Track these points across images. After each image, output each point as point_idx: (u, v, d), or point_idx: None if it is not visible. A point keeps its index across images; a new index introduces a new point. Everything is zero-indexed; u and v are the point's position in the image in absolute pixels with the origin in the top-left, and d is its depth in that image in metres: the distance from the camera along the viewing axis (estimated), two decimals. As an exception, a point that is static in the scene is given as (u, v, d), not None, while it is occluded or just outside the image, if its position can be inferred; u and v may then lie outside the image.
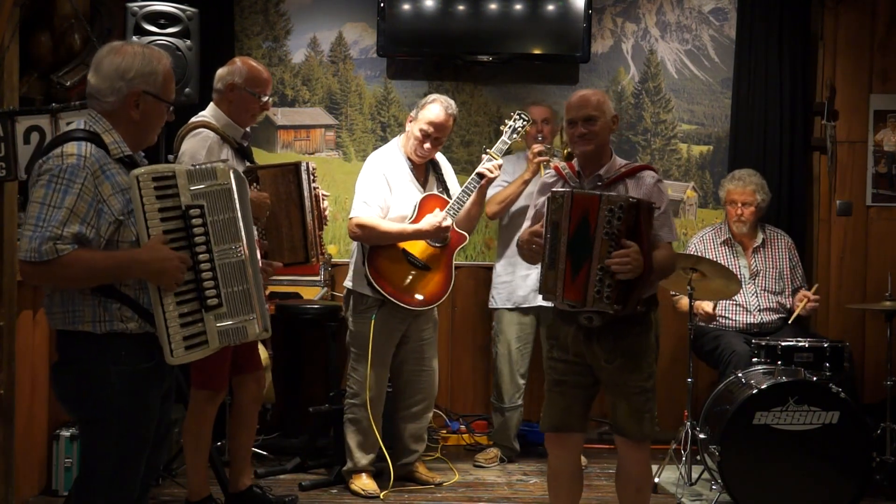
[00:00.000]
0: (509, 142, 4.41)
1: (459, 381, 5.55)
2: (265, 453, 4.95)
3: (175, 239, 2.56)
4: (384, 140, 5.19)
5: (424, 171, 4.47)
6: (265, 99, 3.87)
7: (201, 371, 3.74)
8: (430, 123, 4.31)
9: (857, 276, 5.47)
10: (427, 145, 4.34)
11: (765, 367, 4.32)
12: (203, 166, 2.64)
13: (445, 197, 4.42)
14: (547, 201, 3.28)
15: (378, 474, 4.49)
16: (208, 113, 3.84)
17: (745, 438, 4.07)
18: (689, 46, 5.61)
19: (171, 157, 3.92)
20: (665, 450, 4.59)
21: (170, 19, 4.33)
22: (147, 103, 2.64)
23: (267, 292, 4.34)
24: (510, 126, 4.41)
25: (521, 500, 4.43)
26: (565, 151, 4.36)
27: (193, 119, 3.83)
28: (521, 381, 4.89)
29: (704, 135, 5.63)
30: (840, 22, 5.45)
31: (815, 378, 4.15)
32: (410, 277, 4.31)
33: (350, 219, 4.33)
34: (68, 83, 4.17)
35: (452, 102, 4.38)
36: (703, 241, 5.05)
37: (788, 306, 4.94)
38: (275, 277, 4.92)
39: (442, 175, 4.51)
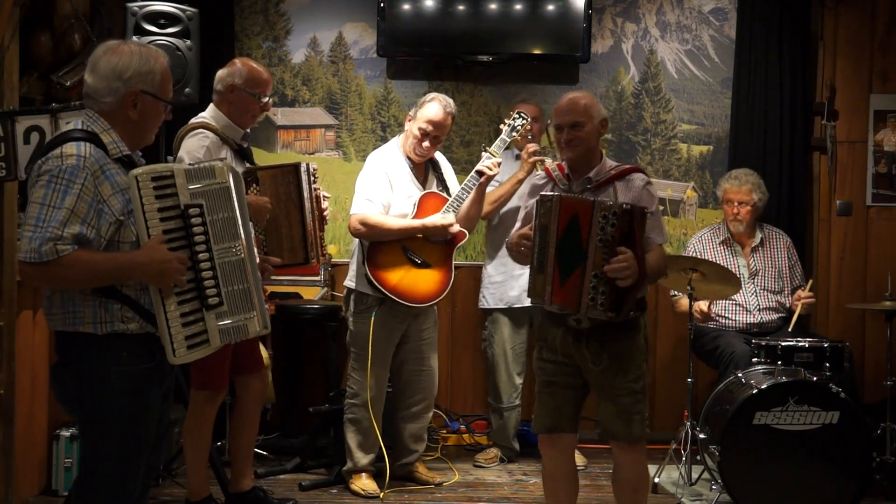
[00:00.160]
0: (508, 140, 4.42)
1: (459, 381, 5.55)
2: (265, 453, 4.95)
3: (174, 238, 2.55)
4: (384, 140, 5.19)
5: (424, 169, 4.48)
6: (265, 100, 3.87)
7: (201, 371, 3.75)
8: (429, 122, 4.31)
9: (857, 276, 5.47)
10: (426, 144, 4.34)
11: (765, 367, 4.32)
12: (201, 165, 2.64)
13: (445, 195, 4.43)
14: (536, 204, 3.28)
15: (378, 474, 4.49)
16: (208, 114, 3.84)
17: (745, 438, 4.07)
18: (689, 46, 5.61)
19: (170, 157, 3.92)
20: (665, 450, 4.60)
21: (170, 19, 4.33)
22: (145, 103, 2.64)
23: (267, 292, 4.35)
24: (509, 124, 4.42)
25: (521, 500, 4.43)
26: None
27: (193, 120, 3.83)
28: (519, 381, 4.89)
29: (704, 135, 5.63)
30: (840, 22, 5.45)
31: (815, 378, 4.15)
32: (410, 275, 4.31)
33: (352, 216, 4.33)
34: (68, 83, 4.17)
35: (451, 101, 4.39)
36: (702, 242, 5.06)
37: (788, 305, 4.94)
38: (275, 277, 4.92)
39: (441, 174, 4.52)
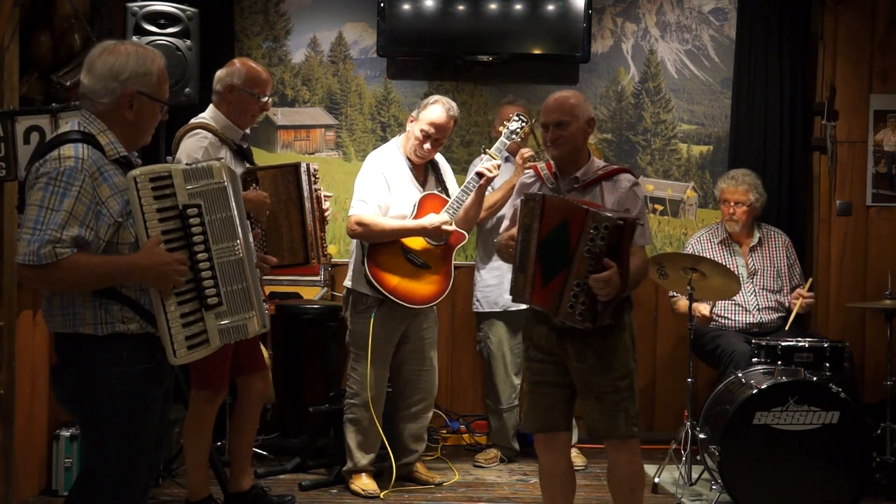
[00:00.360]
0: (508, 142, 4.41)
1: (459, 381, 5.55)
2: (265, 453, 4.96)
3: (173, 239, 2.55)
4: (384, 140, 5.19)
5: (424, 171, 4.48)
6: (264, 99, 3.87)
7: (201, 371, 3.75)
8: (432, 124, 4.31)
9: (857, 276, 5.47)
10: (427, 146, 4.34)
11: (765, 367, 4.32)
12: (198, 165, 2.63)
13: (444, 196, 4.43)
14: (520, 203, 3.28)
15: (378, 474, 4.49)
16: (207, 114, 3.84)
17: (745, 438, 4.07)
18: (689, 46, 5.61)
19: (169, 158, 3.92)
20: (665, 450, 4.60)
21: (170, 19, 4.33)
22: (141, 104, 2.63)
23: (266, 293, 4.36)
24: (508, 127, 4.41)
25: (521, 500, 4.43)
26: None
27: (192, 121, 3.83)
28: (517, 381, 4.89)
29: (704, 135, 5.63)
30: (840, 22, 5.45)
31: (815, 378, 4.15)
32: (410, 276, 4.31)
33: (349, 217, 4.34)
34: (68, 83, 4.17)
35: (454, 104, 4.39)
36: (700, 242, 5.06)
37: (787, 305, 4.94)
38: (275, 277, 4.94)
39: (441, 175, 4.52)
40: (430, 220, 4.29)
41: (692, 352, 4.59)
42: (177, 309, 2.54)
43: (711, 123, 5.62)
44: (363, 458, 4.43)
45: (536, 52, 5.40)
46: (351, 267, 4.46)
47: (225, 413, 4.50)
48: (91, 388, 2.57)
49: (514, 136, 4.41)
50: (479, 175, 4.34)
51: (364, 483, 4.40)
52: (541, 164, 3.50)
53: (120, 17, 4.47)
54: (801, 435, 4.07)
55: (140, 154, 2.79)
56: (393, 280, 4.28)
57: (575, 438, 4.85)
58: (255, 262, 2.94)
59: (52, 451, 4.27)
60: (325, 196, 4.03)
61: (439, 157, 4.56)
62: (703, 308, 4.69)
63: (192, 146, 3.68)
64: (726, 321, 4.89)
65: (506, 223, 3.56)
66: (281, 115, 5.49)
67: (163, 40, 4.27)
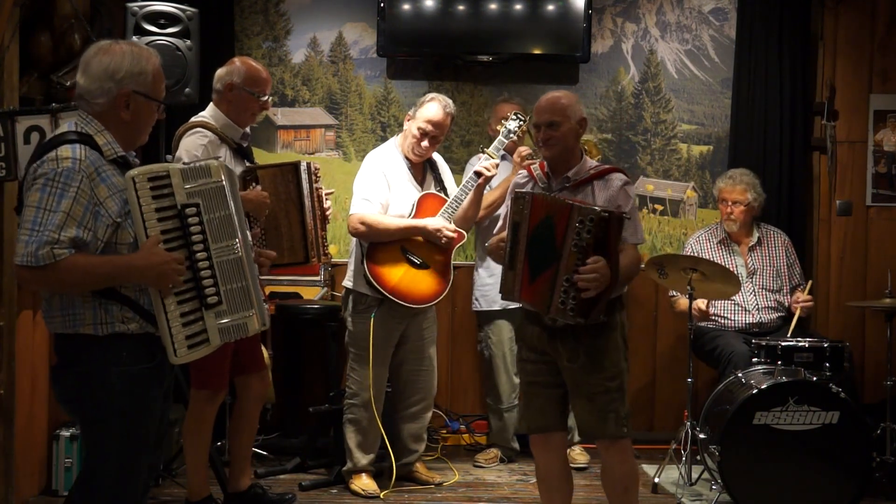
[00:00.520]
0: (506, 141, 4.42)
1: (459, 381, 5.55)
2: (265, 453, 4.96)
3: (172, 238, 2.55)
4: (384, 140, 5.18)
5: (422, 170, 4.48)
6: (264, 98, 3.87)
7: (201, 371, 3.75)
8: (429, 122, 4.31)
9: (857, 276, 5.47)
10: (425, 144, 4.35)
11: (765, 367, 4.32)
12: (196, 164, 2.63)
13: (443, 196, 4.43)
14: (510, 202, 3.30)
15: (378, 474, 4.49)
16: (207, 113, 3.84)
17: (745, 438, 4.07)
18: (689, 46, 5.61)
19: (169, 157, 3.92)
20: (665, 450, 4.60)
21: (170, 19, 4.33)
22: (137, 103, 2.63)
23: (266, 292, 4.36)
24: (506, 126, 4.41)
25: (521, 500, 4.43)
26: None
27: (192, 119, 3.83)
28: (517, 381, 4.88)
29: (704, 135, 5.63)
30: (840, 22, 5.45)
31: (815, 378, 4.15)
32: (409, 275, 4.31)
33: (350, 216, 4.34)
34: (68, 83, 4.17)
35: (451, 101, 4.39)
36: (699, 242, 5.06)
37: (787, 304, 4.94)
38: (275, 277, 4.94)
39: (439, 174, 4.52)
40: (434, 223, 4.28)
41: (692, 352, 4.59)
42: (176, 308, 2.54)
43: (711, 123, 5.62)
44: (363, 459, 4.43)
45: (536, 52, 5.40)
46: (350, 267, 4.46)
47: (225, 413, 4.50)
48: (91, 389, 2.57)
49: (511, 136, 4.42)
50: (478, 174, 4.34)
51: (364, 483, 4.40)
52: (534, 165, 3.51)
53: (120, 17, 4.47)
54: (801, 435, 4.07)
55: (140, 153, 2.79)
56: (392, 279, 4.28)
57: (578, 436, 4.86)
58: (255, 258, 2.94)
59: (52, 451, 4.27)
60: (325, 194, 4.03)
61: (437, 157, 4.57)
62: (700, 303, 4.69)
63: (192, 144, 3.68)
64: (725, 321, 4.89)
65: (500, 224, 3.56)
66: (281, 115, 5.49)
67: (163, 40, 4.27)
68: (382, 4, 5.26)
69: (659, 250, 5.47)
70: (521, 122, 4.42)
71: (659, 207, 5.59)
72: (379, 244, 4.31)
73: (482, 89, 5.53)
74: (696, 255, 4.88)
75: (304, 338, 5.35)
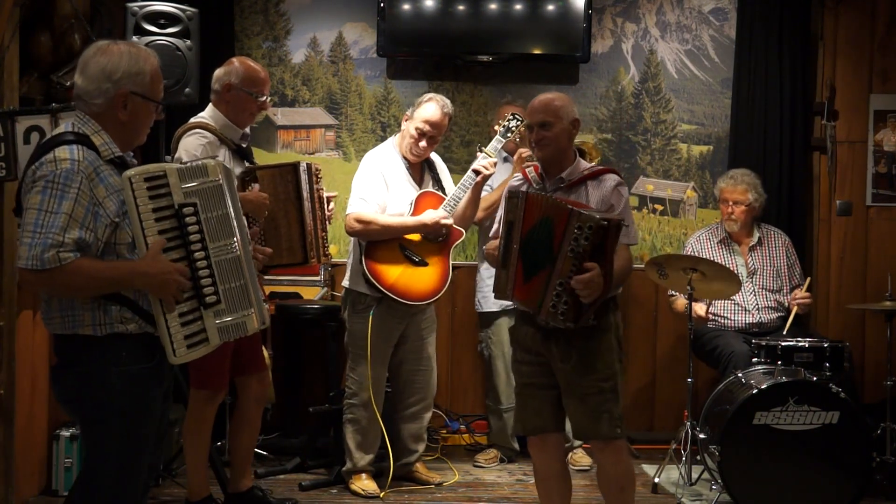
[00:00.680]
0: (503, 140, 4.41)
1: (459, 381, 5.55)
2: (265, 453, 4.96)
3: (170, 238, 2.55)
4: (384, 140, 5.18)
5: (420, 169, 4.48)
6: (262, 99, 3.86)
7: (201, 370, 3.74)
8: (426, 122, 4.32)
9: (857, 276, 5.46)
10: (423, 143, 4.35)
11: (765, 367, 4.32)
12: (193, 164, 2.63)
13: (441, 194, 4.43)
14: (504, 201, 3.30)
15: (378, 474, 4.49)
16: (206, 114, 3.84)
17: (745, 438, 4.07)
18: (689, 46, 5.61)
19: (168, 157, 3.92)
20: (665, 450, 4.60)
21: (170, 19, 4.33)
22: (135, 104, 2.62)
23: (267, 292, 4.35)
24: (504, 125, 4.42)
25: (521, 500, 4.43)
26: None
27: (191, 120, 3.83)
28: (518, 380, 4.89)
29: (704, 135, 5.63)
30: (840, 22, 5.44)
31: (815, 378, 4.15)
32: (408, 273, 4.31)
33: (347, 215, 4.34)
34: (68, 83, 4.17)
35: (448, 101, 4.40)
36: (700, 242, 5.06)
37: (787, 304, 4.94)
38: (275, 277, 4.93)
39: (437, 174, 4.53)
40: (429, 215, 4.29)
41: (692, 352, 4.59)
42: (176, 308, 2.54)
43: (711, 123, 5.62)
44: (362, 459, 4.43)
45: (536, 52, 5.40)
46: (349, 267, 4.46)
47: (225, 413, 4.50)
48: (91, 389, 2.57)
49: (509, 135, 4.41)
50: (476, 172, 4.35)
51: (364, 483, 4.40)
52: (529, 167, 3.51)
53: (120, 17, 4.47)
54: (801, 435, 4.07)
55: (140, 153, 2.79)
56: (391, 277, 4.29)
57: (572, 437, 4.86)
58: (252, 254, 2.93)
59: (52, 451, 4.27)
60: (328, 196, 4.03)
61: (435, 156, 4.57)
62: (699, 309, 4.69)
63: (192, 145, 3.68)
64: (725, 321, 4.89)
65: (495, 227, 3.55)
66: (281, 115, 5.49)
67: (163, 40, 4.27)
68: (382, 4, 5.26)
69: (659, 250, 5.47)
70: (519, 122, 4.42)
71: (659, 207, 5.59)
72: (377, 242, 4.31)
73: (482, 89, 5.53)
74: (696, 254, 4.89)
75: (304, 338, 5.35)
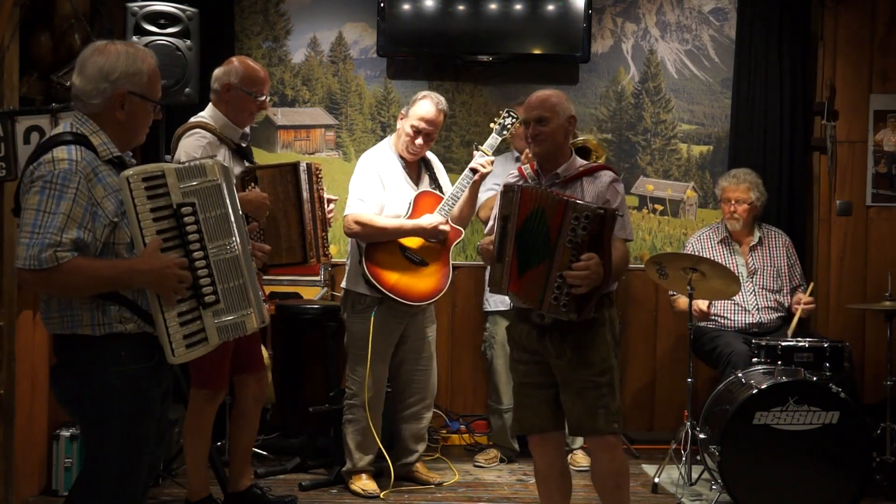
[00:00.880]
0: (500, 138, 4.42)
1: (459, 381, 5.55)
2: (265, 453, 4.96)
3: (168, 238, 2.55)
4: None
5: (417, 169, 4.49)
6: (262, 98, 3.86)
7: (200, 370, 3.75)
8: (422, 119, 4.32)
9: (857, 276, 5.47)
10: (419, 141, 4.35)
11: (765, 367, 4.32)
12: (191, 163, 2.63)
13: (439, 194, 4.43)
14: (499, 196, 3.31)
15: (378, 474, 4.49)
16: (206, 114, 3.84)
17: (745, 438, 4.07)
18: (689, 46, 5.61)
19: (168, 157, 3.91)
20: (665, 450, 4.60)
21: (170, 19, 4.33)
22: (132, 103, 2.62)
23: (266, 292, 4.35)
24: (500, 123, 4.42)
25: (521, 500, 4.43)
26: None
27: (191, 120, 3.83)
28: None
29: (704, 135, 5.62)
30: (840, 22, 5.45)
31: (815, 378, 4.15)
32: (408, 273, 4.32)
33: (345, 216, 4.34)
34: (68, 83, 4.16)
35: (443, 98, 4.40)
36: (701, 241, 5.06)
37: (787, 305, 4.94)
38: (275, 277, 4.93)
39: (434, 173, 4.53)
40: (428, 220, 4.29)
41: (692, 352, 4.59)
42: (174, 308, 2.54)
43: (711, 123, 5.62)
44: (362, 459, 4.43)
45: (536, 52, 5.40)
46: (348, 268, 4.46)
47: (225, 413, 4.50)
48: (91, 389, 2.57)
49: (504, 133, 4.41)
50: (473, 171, 4.35)
51: (364, 483, 4.40)
52: (525, 165, 3.52)
53: (120, 17, 4.47)
54: (800, 435, 4.07)
55: (140, 153, 2.79)
56: (391, 278, 4.29)
57: (581, 440, 4.86)
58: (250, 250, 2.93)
59: (52, 451, 4.27)
60: (329, 199, 4.03)
61: (431, 155, 4.58)
62: (701, 303, 4.69)
63: (191, 145, 3.67)
64: (725, 321, 4.89)
65: (490, 224, 3.56)
66: (281, 115, 5.49)
67: (163, 40, 4.27)
68: (382, 4, 5.26)
69: (659, 250, 5.47)
70: (514, 119, 4.42)
71: (659, 207, 5.59)
72: (377, 244, 4.31)
73: (482, 89, 5.53)
74: (696, 253, 4.89)
75: (304, 338, 5.34)
